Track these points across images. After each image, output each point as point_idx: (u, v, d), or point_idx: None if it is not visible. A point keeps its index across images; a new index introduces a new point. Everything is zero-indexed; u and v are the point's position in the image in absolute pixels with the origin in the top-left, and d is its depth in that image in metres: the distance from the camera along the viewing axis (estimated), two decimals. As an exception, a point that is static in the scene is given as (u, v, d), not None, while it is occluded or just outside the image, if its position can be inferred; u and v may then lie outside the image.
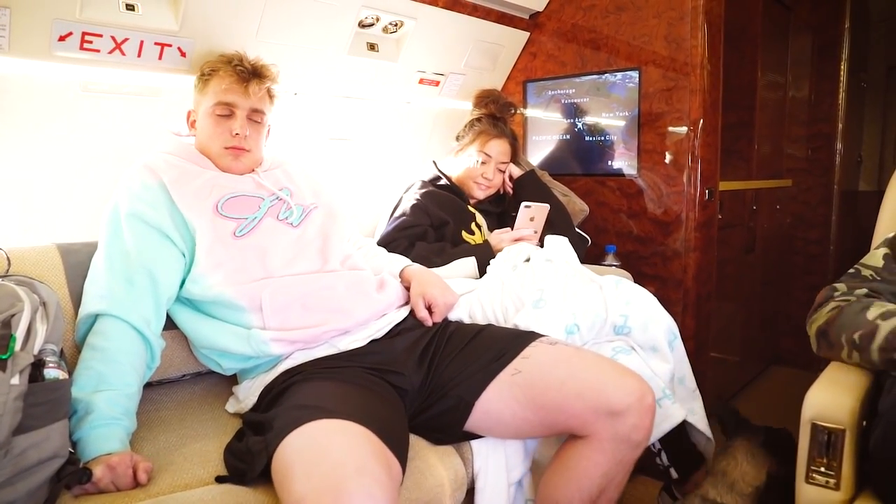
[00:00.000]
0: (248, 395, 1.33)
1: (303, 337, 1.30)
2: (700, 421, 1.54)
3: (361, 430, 1.04)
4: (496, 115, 2.06)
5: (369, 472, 0.94)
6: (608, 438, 1.20)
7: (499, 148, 2.01)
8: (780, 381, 3.10)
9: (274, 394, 1.25)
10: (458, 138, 2.07)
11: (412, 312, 1.46)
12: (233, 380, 1.50)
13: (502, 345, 1.33)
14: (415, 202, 1.88)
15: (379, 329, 1.39)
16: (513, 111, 2.12)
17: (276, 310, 1.30)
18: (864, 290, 1.33)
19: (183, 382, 1.54)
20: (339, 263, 1.44)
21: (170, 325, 1.40)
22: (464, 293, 1.61)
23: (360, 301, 1.38)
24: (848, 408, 1.18)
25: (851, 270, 1.41)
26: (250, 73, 1.46)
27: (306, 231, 1.45)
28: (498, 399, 1.27)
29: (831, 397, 1.21)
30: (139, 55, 1.55)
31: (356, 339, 1.35)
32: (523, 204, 1.85)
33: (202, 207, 1.35)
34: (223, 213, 1.37)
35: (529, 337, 1.35)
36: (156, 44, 1.56)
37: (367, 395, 1.19)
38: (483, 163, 2.00)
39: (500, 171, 2.04)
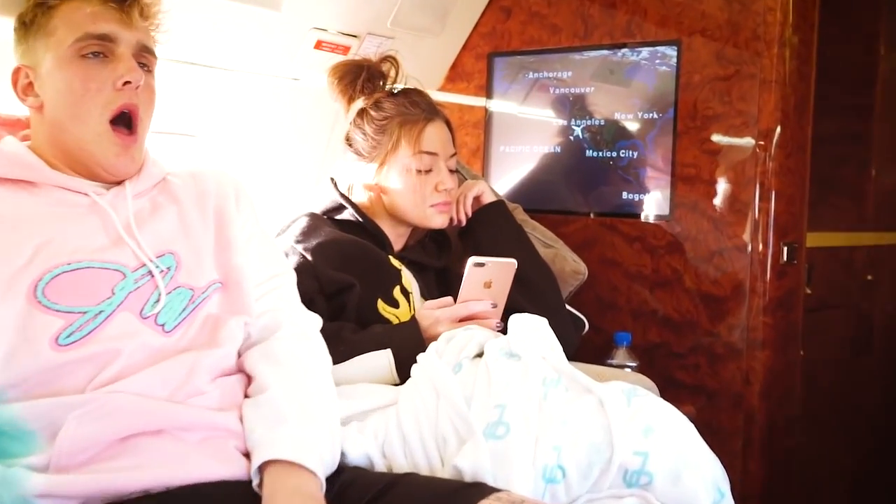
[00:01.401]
0: None
1: (96, 490, 1.25)
2: None
3: None
4: (391, 90, 2.05)
5: None
6: None
7: (440, 135, 2.00)
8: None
9: None
10: (359, 151, 2.03)
11: None
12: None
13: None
14: (295, 256, 1.86)
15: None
16: (393, 64, 2.08)
17: (79, 445, 1.26)
18: None
19: None
20: (212, 381, 1.42)
21: None
22: (371, 409, 1.58)
23: (215, 462, 1.35)
24: None
25: None
26: None
27: (184, 337, 1.43)
28: None
29: None
30: None
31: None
32: (472, 260, 1.80)
33: (11, 286, 1.32)
34: (45, 300, 1.33)
35: (474, 494, 1.31)
36: None
37: None
38: (428, 170, 1.98)
39: (451, 169, 2.04)
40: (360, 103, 2.04)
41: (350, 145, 2.04)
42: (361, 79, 2.05)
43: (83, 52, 1.43)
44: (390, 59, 2.08)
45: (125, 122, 1.48)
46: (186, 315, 1.45)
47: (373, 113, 2.00)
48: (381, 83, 2.06)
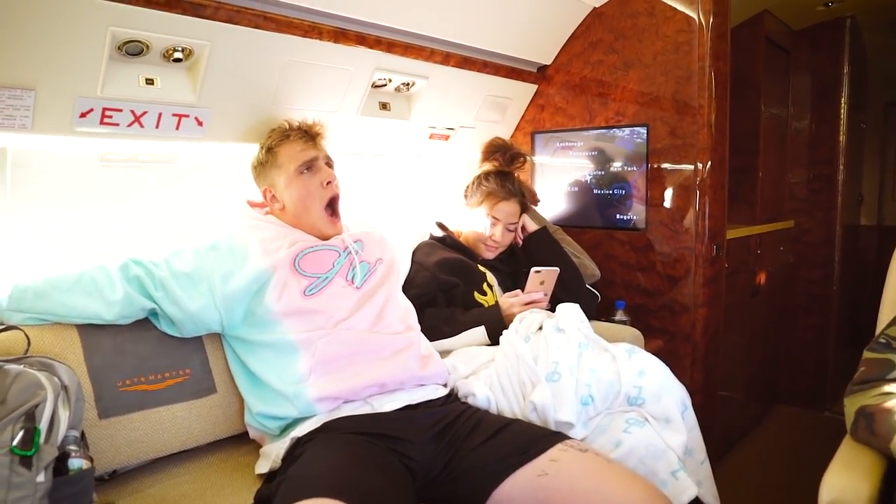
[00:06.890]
0: (279, 451, 1.34)
1: (344, 391, 1.35)
2: (709, 493, 1.52)
3: None
4: (504, 169, 2.04)
5: None
6: None
7: (507, 209, 1.97)
8: (784, 423, 3.08)
9: (296, 455, 1.26)
10: (465, 195, 2.04)
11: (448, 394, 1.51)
12: (250, 443, 1.51)
13: (528, 440, 1.30)
14: (423, 269, 1.87)
15: (413, 399, 1.42)
16: (522, 161, 2.10)
17: (327, 359, 1.37)
18: None
19: (199, 452, 1.52)
20: (390, 325, 1.50)
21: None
22: (481, 365, 1.61)
23: (403, 368, 1.43)
24: (866, 494, 1.17)
25: (882, 339, 1.41)
26: (313, 132, 1.61)
27: (366, 291, 1.52)
28: (519, 497, 1.22)
29: (848, 482, 1.20)
30: (157, 126, 1.55)
31: (392, 401, 1.38)
32: (533, 269, 1.82)
33: (282, 259, 1.44)
34: (300, 269, 1.45)
35: (558, 437, 1.31)
36: (173, 115, 1.56)
37: (368, 470, 1.18)
38: (492, 225, 1.97)
39: (510, 230, 2.01)
40: (486, 166, 2.07)
41: (465, 196, 2.04)
42: (499, 153, 2.08)
43: (301, 171, 1.53)
44: (524, 154, 2.13)
45: (332, 206, 1.56)
46: (367, 277, 1.53)
47: (482, 182, 1.99)
48: (499, 155, 2.09)
